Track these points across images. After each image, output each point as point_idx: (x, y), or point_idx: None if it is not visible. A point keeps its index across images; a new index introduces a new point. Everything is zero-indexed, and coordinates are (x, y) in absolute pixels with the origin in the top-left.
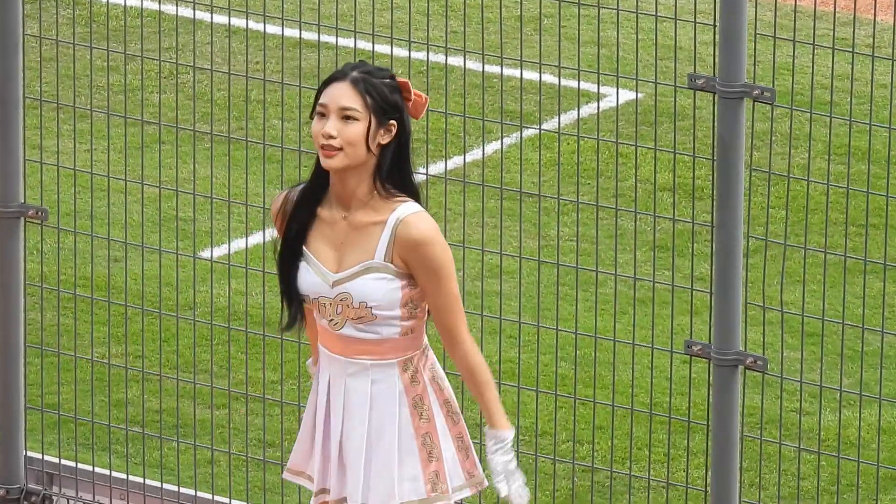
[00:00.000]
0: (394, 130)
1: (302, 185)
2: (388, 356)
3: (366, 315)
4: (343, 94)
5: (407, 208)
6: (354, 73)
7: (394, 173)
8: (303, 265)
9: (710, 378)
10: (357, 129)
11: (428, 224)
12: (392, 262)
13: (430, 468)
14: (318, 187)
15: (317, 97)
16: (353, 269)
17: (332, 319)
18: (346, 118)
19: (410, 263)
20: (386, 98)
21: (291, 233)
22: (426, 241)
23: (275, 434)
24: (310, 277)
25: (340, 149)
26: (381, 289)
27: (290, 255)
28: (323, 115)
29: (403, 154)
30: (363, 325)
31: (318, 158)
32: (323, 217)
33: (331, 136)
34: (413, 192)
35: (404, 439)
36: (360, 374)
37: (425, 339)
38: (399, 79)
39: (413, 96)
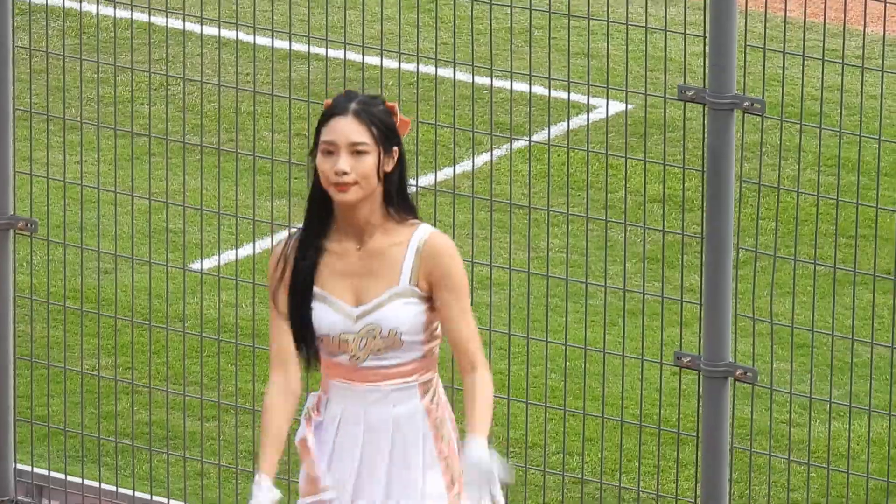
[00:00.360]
0: (396, 156)
1: (297, 232)
2: (410, 379)
3: (394, 343)
4: (351, 130)
5: (426, 229)
6: (354, 106)
7: (399, 196)
8: (318, 306)
9: (700, 390)
10: (370, 162)
11: (449, 241)
12: (417, 286)
13: (453, 491)
14: (320, 225)
15: (317, 134)
16: (379, 299)
17: (354, 355)
18: (357, 153)
19: (434, 280)
20: (387, 125)
21: (301, 275)
22: (450, 254)
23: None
24: (329, 317)
25: (355, 183)
26: (410, 314)
27: (302, 297)
28: (330, 153)
29: (404, 176)
30: (389, 352)
31: (312, 197)
32: (332, 250)
33: (345, 173)
34: (413, 210)
35: (429, 463)
36: (381, 400)
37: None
38: (388, 103)
39: (399, 119)
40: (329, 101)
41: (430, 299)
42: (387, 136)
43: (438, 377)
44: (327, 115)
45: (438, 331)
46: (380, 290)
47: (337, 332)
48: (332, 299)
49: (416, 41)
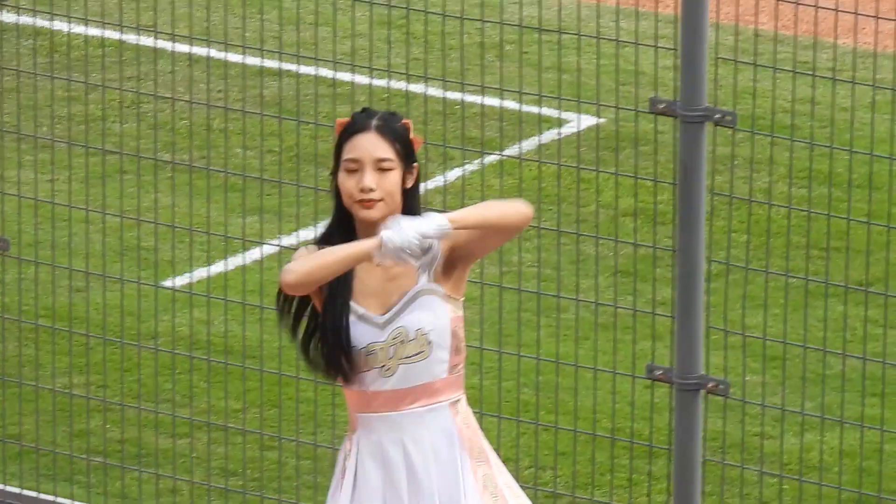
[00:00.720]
0: (415, 172)
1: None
2: (440, 398)
3: (422, 346)
4: (375, 146)
5: None
6: (376, 122)
7: (413, 213)
8: (349, 319)
9: (672, 402)
10: (394, 178)
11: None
12: (438, 283)
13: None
14: (343, 240)
15: (338, 152)
16: (403, 301)
17: (383, 366)
18: (382, 169)
19: (452, 245)
20: (408, 141)
21: (338, 292)
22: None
23: (237, 463)
24: (355, 328)
25: (381, 199)
26: (434, 311)
27: (339, 313)
28: (354, 171)
29: (417, 193)
30: (418, 362)
31: (337, 218)
32: (357, 267)
33: (372, 189)
34: None
35: (468, 481)
36: (415, 426)
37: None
38: (403, 120)
39: (413, 137)
40: (342, 120)
41: (451, 300)
42: (407, 152)
43: (466, 400)
44: (348, 133)
45: (463, 344)
46: (402, 291)
47: (364, 344)
48: (359, 310)
49: (388, 57)
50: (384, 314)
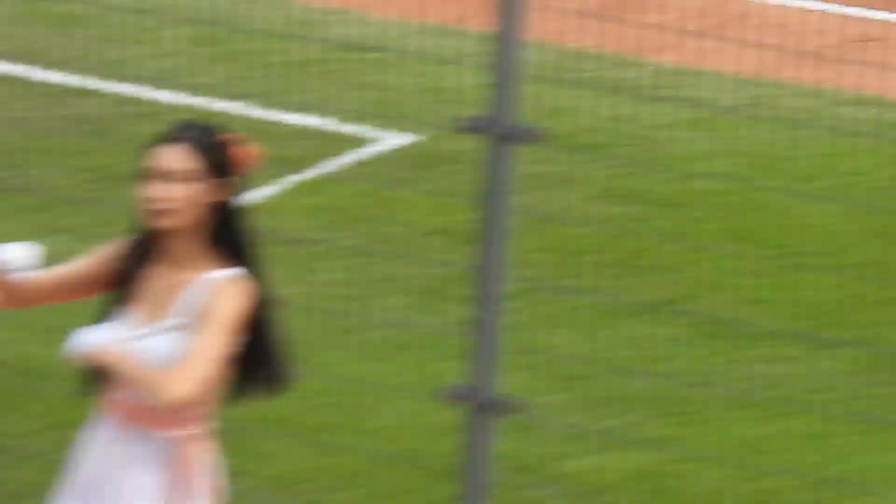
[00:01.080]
0: (222, 189)
1: (131, 244)
2: (159, 430)
3: None
4: (171, 157)
5: (225, 272)
6: (181, 134)
7: (227, 232)
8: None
9: (466, 422)
10: (183, 190)
11: (238, 284)
12: (183, 326)
13: None
14: (143, 251)
15: (144, 160)
16: (144, 331)
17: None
18: (175, 180)
19: (198, 316)
20: (218, 156)
21: (119, 287)
22: (227, 293)
23: (28, 486)
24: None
25: (166, 211)
26: (174, 348)
27: (103, 304)
28: (149, 179)
29: (234, 212)
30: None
31: (142, 225)
32: (146, 274)
33: (157, 200)
34: (246, 254)
35: None
36: (117, 440)
37: (206, 427)
38: (224, 135)
39: (237, 151)
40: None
41: None
42: (212, 166)
43: (202, 442)
44: (154, 143)
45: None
46: (149, 321)
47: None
48: (129, 313)
49: (193, 76)
50: (139, 328)
